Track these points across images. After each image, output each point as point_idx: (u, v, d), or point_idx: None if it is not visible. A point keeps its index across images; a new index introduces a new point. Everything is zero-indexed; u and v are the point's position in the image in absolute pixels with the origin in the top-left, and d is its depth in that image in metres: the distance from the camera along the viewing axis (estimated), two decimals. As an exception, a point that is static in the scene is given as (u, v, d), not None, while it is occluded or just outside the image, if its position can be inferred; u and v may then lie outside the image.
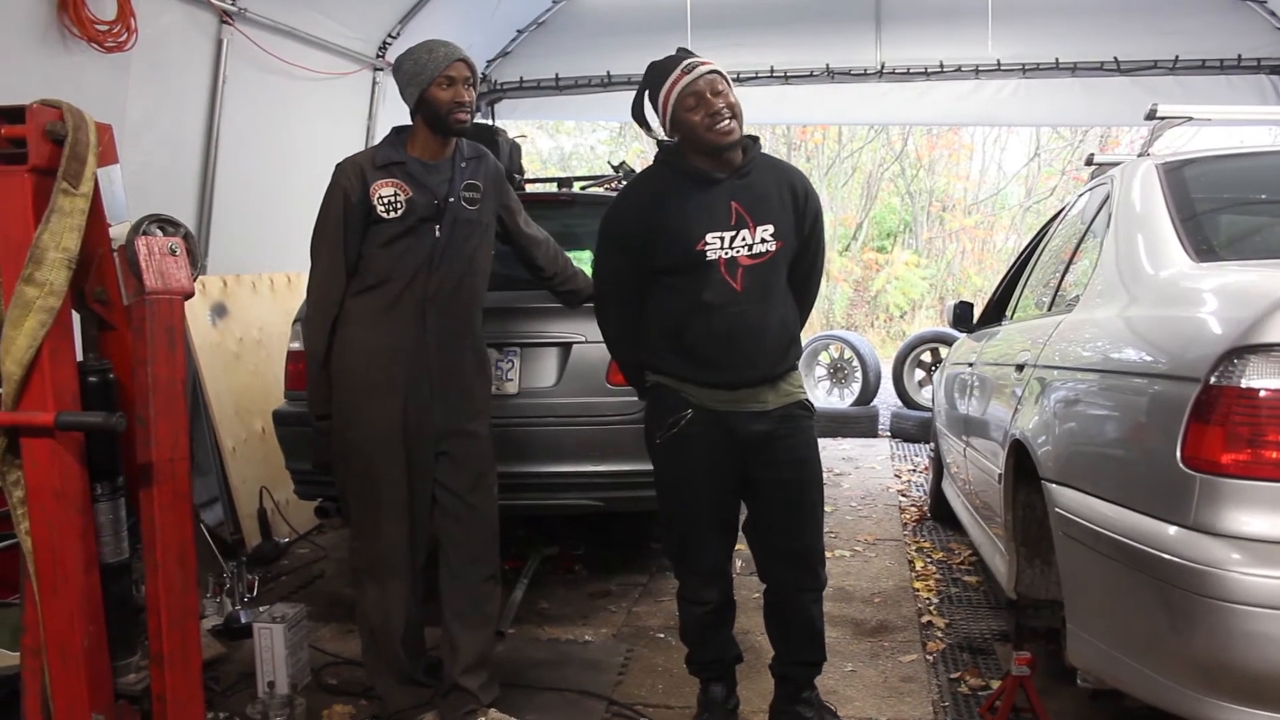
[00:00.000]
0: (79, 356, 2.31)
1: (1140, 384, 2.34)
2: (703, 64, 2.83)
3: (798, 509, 2.96)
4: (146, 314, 2.24)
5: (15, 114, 2.15)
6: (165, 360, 2.27)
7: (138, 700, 2.37)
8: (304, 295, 4.69)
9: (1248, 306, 2.06)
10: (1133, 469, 2.30)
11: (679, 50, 2.93)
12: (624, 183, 5.35)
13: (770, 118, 11.21)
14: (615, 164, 5.97)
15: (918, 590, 4.50)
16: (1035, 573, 3.22)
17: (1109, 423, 2.53)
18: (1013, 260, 5.04)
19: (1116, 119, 10.01)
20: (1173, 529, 2.08)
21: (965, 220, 19.47)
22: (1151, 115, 3.63)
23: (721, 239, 2.82)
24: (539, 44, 8.91)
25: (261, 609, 3.62)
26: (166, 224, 2.35)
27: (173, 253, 2.30)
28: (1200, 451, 2.03)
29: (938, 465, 5.58)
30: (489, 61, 8.83)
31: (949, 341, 7.69)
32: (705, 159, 2.85)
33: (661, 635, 3.98)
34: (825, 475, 3.15)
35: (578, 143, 19.41)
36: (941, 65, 8.10)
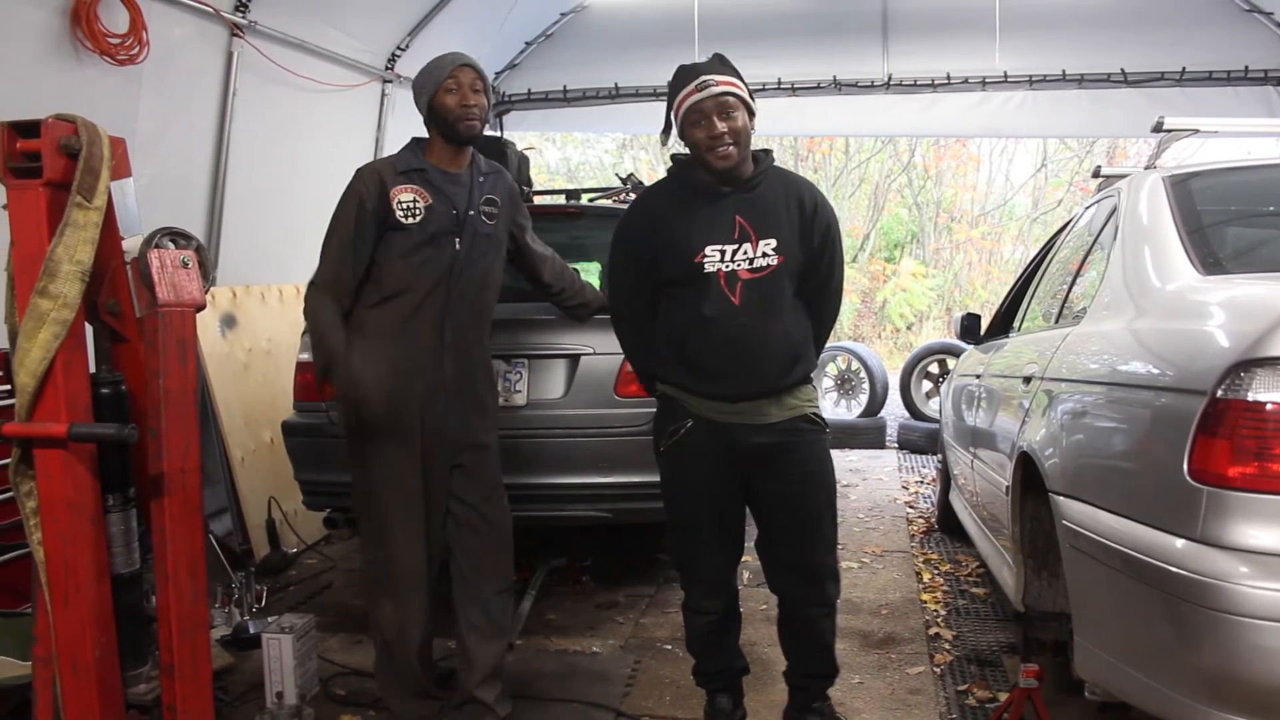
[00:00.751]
0: (92, 368, 2.33)
1: (1147, 397, 2.34)
2: (718, 83, 2.79)
3: (803, 523, 2.96)
4: (159, 326, 2.26)
5: (30, 128, 2.17)
6: (177, 372, 2.29)
7: (148, 710, 2.38)
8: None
9: (1254, 320, 2.06)
10: (1140, 482, 2.31)
11: (712, 57, 2.91)
12: (632, 194, 5.38)
13: (778, 129, 11.20)
14: (623, 176, 5.99)
15: (925, 602, 4.50)
16: (1043, 585, 3.22)
17: (1116, 435, 2.53)
18: (1020, 272, 5.05)
19: (1123, 130, 10.02)
20: (1180, 542, 2.08)
21: (972, 231, 19.44)
22: (1158, 128, 3.63)
23: (722, 252, 2.83)
24: (547, 56, 8.95)
25: (270, 619, 3.62)
26: (179, 237, 2.36)
27: (185, 265, 2.32)
28: (1207, 464, 2.03)
29: (945, 477, 5.57)
30: (497, 73, 8.87)
31: (956, 353, 7.69)
32: (713, 175, 2.87)
33: (669, 647, 3.98)
34: (832, 487, 3.14)
35: (585, 154, 19.45)
36: (949, 77, 8.12)
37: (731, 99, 2.79)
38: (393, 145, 7.37)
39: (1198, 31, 7.66)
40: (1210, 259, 2.63)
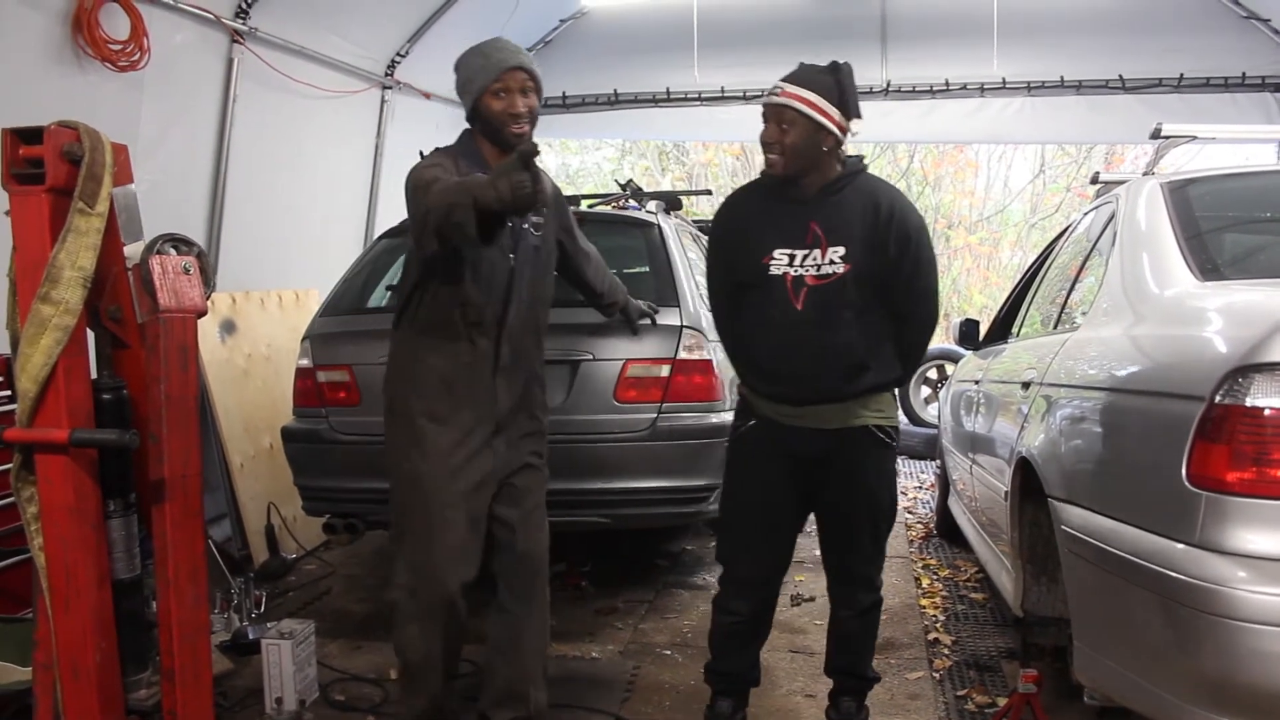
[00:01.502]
0: (93, 374, 2.33)
1: (1146, 402, 2.35)
2: (783, 93, 2.79)
3: (846, 531, 3.02)
4: (160, 332, 2.26)
5: (33, 135, 2.18)
6: (178, 378, 2.29)
7: (149, 716, 2.38)
8: (313, 313, 4.73)
9: (1252, 326, 2.07)
10: (1139, 487, 2.31)
11: (825, 66, 2.91)
12: (631, 201, 5.39)
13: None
14: (622, 182, 5.99)
15: (924, 608, 4.50)
16: (1042, 590, 3.22)
17: (1115, 441, 2.54)
18: (1019, 277, 5.06)
19: (1121, 137, 10.04)
20: (1179, 547, 2.08)
21: (970, 237, 19.44)
22: (1156, 134, 3.65)
23: (791, 256, 2.84)
24: (546, 63, 8.92)
25: (269, 625, 3.62)
26: (180, 243, 2.37)
27: (186, 271, 2.32)
28: (1206, 470, 2.04)
29: (944, 482, 5.58)
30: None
31: (955, 359, 7.69)
32: (766, 175, 2.89)
33: (668, 652, 3.98)
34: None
35: (584, 161, 19.45)
36: (947, 83, 8.14)
37: (790, 112, 2.78)
38: (392, 151, 7.40)
39: (1196, 38, 7.67)
40: (1208, 265, 2.65)
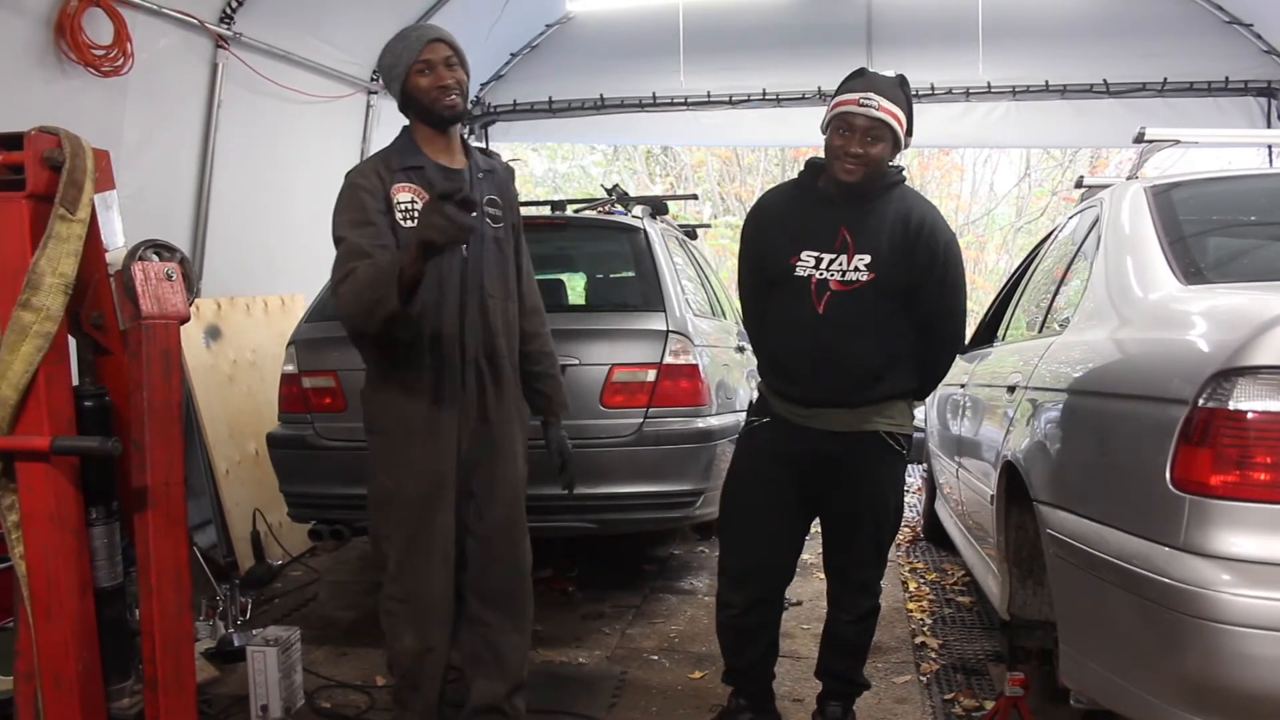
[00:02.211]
0: (75, 381, 2.32)
1: (1130, 406, 2.35)
2: (881, 109, 2.77)
3: (847, 535, 3.04)
4: (142, 339, 2.24)
5: (13, 141, 2.16)
6: (161, 385, 2.27)
7: (131, 725, 2.36)
8: (298, 318, 4.71)
9: (1235, 329, 2.07)
10: (1123, 491, 2.32)
11: (896, 77, 2.92)
12: (617, 206, 5.39)
13: (763, 140, 11.27)
14: (609, 187, 6.00)
15: (911, 611, 4.50)
16: (1028, 593, 3.23)
17: (1099, 445, 2.54)
18: (1004, 281, 5.07)
19: (1106, 141, 10.08)
20: (1163, 550, 2.09)
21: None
22: (1140, 138, 3.66)
23: (818, 259, 2.85)
24: (532, 67, 8.96)
25: (255, 632, 3.60)
26: (163, 249, 2.35)
27: (169, 278, 2.31)
28: (1190, 473, 2.04)
29: (930, 486, 5.59)
30: (483, 84, 8.88)
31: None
32: (831, 181, 2.88)
33: (655, 657, 3.97)
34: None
35: (572, 165, 19.44)
36: (932, 87, 8.15)
37: (883, 128, 2.79)
38: (378, 156, 7.36)
39: (1179, 42, 7.71)
40: (1192, 269, 2.65)
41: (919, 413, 8.52)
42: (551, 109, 8.93)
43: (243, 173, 5.89)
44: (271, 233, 6.34)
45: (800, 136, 10.15)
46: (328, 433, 4.15)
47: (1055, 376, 2.92)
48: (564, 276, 5.91)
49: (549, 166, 19.10)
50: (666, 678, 3.75)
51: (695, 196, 9.66)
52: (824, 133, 2.88)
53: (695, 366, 4.08)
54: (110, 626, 2.34)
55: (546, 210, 5.55)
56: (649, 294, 4.28)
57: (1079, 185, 4.18)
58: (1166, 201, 3.01)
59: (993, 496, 3.35)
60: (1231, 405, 2.00)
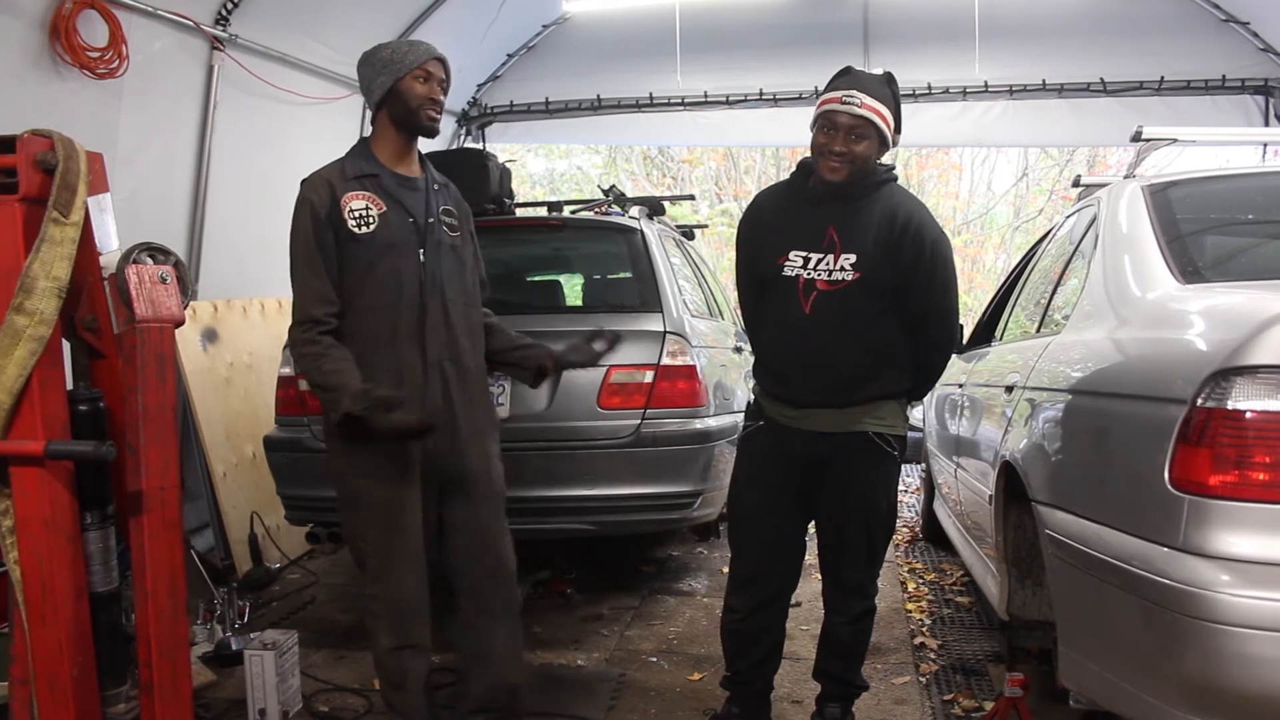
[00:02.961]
0: (69, 385, 2.31)
1: (1128, 406, 2.35)
2: (864, 106, 2.75)
3: (840, 535, 3.03)
4: (137, 342, 2.24)
5: (6, 144, 2.16)
6: (155, 389, 2.27)
7: (127, 730, 2.36)
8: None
9: (1233, 328, 2.07)
10: (1122, 491, 2.31)
11: (883, 74, 2.89)
12: (614, 206, 5.38)
13: (759, 140, 11.24)
14: (605, 188, 5.99)
15: (910, 612, 4.50)
16: (1027, 594, 3.22)
17: (1098, 444, 2.54)
18: (1002, 281, 5.07)
19: (1103, 139, 10.07)
20: (1162, 550, 2.08)
21: (954, 240, 19.50)
22: (1137, 137, 3.66)
23: (806, 259, 2.85)
24: (529, 68, 8.95)
25: (252, 635, 3.60)
26: (157, 252, 2.35)
27: (163, 281, 2.31)
28: (1188, 473, 2.03)
29: (929, 486, 5.59)
30: (479, 85, 8.87)
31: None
32: (819, 181, 2.87)
33: (654, 659, 3.96)
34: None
35: (569, 165, 19.43)
36: (930, 87, 8.15)
37: (867, 126, 2.77)
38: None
39: (1176, 41, 7.71)
40: (1189, 268, 2.65)
41: (916, 413, 8.55)
42: (548, 110, 8.92)
43: (239, 175, 5.87)
44: (268, 235, 6.28)
45: (797, 136, 10.15)
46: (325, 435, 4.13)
47: (1053, 376, 2.91)
48: (561, 277, 5.91)
49: (547, 166, 19.10)
50: (665, 679, 3.75)
51: (692, 197, 9.66)
52: (811, 131, 2.88)
53: (693, 368, 4.07)
54: (106, 631, 2.34)
55: (543, 211, 5.55)
56: (646, 295, 4.28)
57: (1076, 184, 4.18)
58: (1164, 200, 3.01)
59: (991, 496, 3.34)
60: (1230, 405, 1.99)
